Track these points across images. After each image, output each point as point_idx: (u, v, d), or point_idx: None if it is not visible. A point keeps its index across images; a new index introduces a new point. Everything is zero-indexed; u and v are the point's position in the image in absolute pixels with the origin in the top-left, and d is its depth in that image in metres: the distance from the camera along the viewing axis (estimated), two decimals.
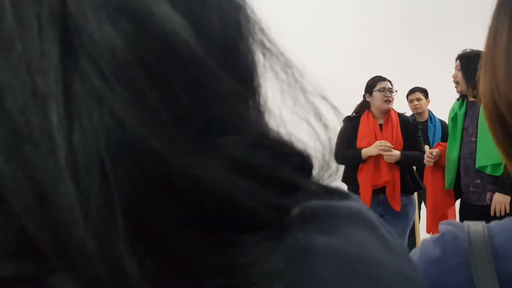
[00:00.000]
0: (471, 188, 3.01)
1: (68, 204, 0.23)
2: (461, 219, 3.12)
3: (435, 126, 4.70)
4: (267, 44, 0.34)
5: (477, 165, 2.88)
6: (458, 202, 3.22)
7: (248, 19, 0.33)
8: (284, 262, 0.28)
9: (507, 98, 0.55)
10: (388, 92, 3.51)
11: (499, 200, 2.84)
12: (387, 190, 3.40)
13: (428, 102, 4.83)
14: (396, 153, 3.37)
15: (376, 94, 3.53)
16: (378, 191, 3.43)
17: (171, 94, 0.26)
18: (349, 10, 6.40)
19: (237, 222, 0.28)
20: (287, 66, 0.34)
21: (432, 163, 3.17)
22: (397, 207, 3.39)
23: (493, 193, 2.90)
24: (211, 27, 0.30)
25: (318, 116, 0.34)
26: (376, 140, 3.45)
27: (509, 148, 0.58)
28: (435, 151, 3.19)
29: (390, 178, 3.39)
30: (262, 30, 0.34)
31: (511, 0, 0.57)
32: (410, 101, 4.83)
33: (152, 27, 0.26)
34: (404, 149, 3.46)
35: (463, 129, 3.07)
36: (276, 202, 0.29)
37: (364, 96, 3.63)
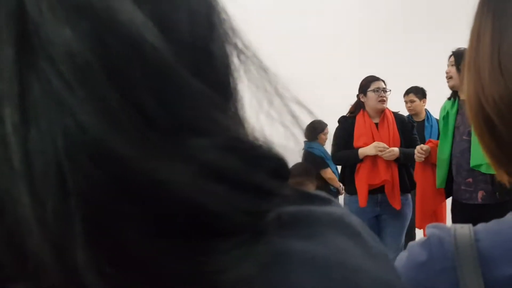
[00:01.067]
0: (462, 187, 3.01)
1: (23, 211, 0.22)
2: (453, 218, 3.13)
3: (431, 125, 4.70)
4: (241, 46, 0.33)
5: (471, 164, 2.86)
6: (450, 201, 3.22)
7: (220, 20, 0.32)
8: (256, 269, 0.27)
9: (493, 99, 0.54)
10: (382, 91, 3.51)
11: None
12: (386, 189, 3.40)
13: (423, 102, 4.83)
14: (395, 150, 3.37)
15: (370, 94, 3.54)
16: (376, 191, 3.43)
17: (135, 96, 0.25)
18: (345, 10, 6.40)
19: (206, 228, 0.27)
20: (262, 69, 0.33)
21: (423, 159, 3.17)
22: (397, 206, 3.39)
23: (485, 192, 2.90)
24: (180, 28, 0.29)
25: (295, 119, 0.33)
26: (373, 139, 3.46)
27: (496, 150, 0.57)
28: (425, 146, 3.19)
29: (389, 177, 3.39)
30: (235, 32, 0.33)
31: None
32: (405, 102, 4.84)
33: (115, 28, 0.25)
34: (401, 146, 3.46)
35: (454, 127, 3.07)
36: (249, 207, 0.28)
37: (358, 96, 3.64)
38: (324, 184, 4.43)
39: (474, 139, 2.82)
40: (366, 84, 3.58)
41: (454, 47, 3.13)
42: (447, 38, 4.93)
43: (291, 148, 0.33)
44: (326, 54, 5.78)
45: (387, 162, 3.40)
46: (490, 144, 0.57)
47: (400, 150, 3.39)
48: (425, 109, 4.85)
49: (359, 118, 3.58)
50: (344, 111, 3.79)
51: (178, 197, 0.25)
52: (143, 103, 0.25)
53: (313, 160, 4.59)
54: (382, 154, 3.37)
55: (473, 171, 2.90)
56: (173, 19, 0.29)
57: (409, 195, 3.57)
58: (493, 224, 0.55)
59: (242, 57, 0.33)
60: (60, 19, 0.24)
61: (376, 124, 3.55)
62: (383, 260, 0.34)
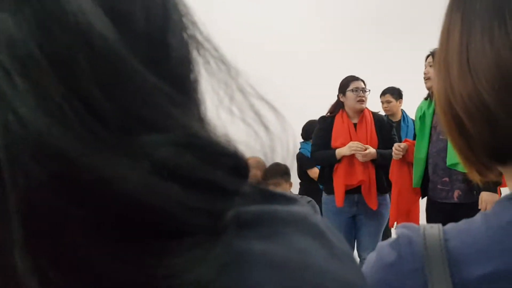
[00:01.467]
0: (438, 186, 3.04)
1: None
2: (428, 217, 3.17)
3: (407, 126, 4.75)
4: (201, 39, 0.32)
5: (448, 163, 2.90)
6: (424, 200, 3.26)
7: (178, 11, 0.31)
8: (214, 271, 0.26)
9: (461, 97, 0.54)
10: (361, 91, 3.53)
11: (486, 199, 2.82)
12: (363, 190, 3.42)
13: (399, 103, 4.87)
14: (372, 151, 3.39)
15: (349, 94, 3.55)
16: (353, 191, 3.44)
17: (81, 89, 0.24)
18: (321, 10, 6.43)
19: (158, 229, 0.25)
20: (223, 63, 0.32)
21: (401, 157, 3.19)
22: (374, 206, 3.41)
23: (461, 191, 2.93)
24: (134, 19, 0.28)
25: (258, 116, 0.32)
26: (351, 139, 3.47)
27: (465, 148, 0.57)
28: (403, 144, 3.22)
29: (365, 178, 3.41)
30: (194, 24, 0.32)
31: None
32: (382, 103, 4.88)
33: (61, 16, 0.23)
34: (379, 147, 3.48)
35: (431, 127, 3.10)
36: (205, 207, 0.27)
37: (338, 96, 3.65)
38: (313, 183, 4.44)
39: None
40: (346, 84, 3.59)
41: (431, 48, 3.15)
42: (423, 38, 4.98)
43: (252, 146, 0.32)
44: (303, 55, 5.79)
45: (364, 163, 3.41)
46: (460, 142, 0.57)
47: (377, 151, 3.41)
48: (401, 110, 4.90)
49: (338, 118, 3.59)
50: (323, 111, 3.80)
51: (126, 196, 0.24)
52: (90, 96, 0.24)
53: (301, 160, 4.62)
54: (357, 156, 3.38)
55: (450, 170, 2.94)
56: (126, 9, 0.27)
57: (387, 196, 3.59)
58: (463, 223, 0.55)
59: (201, 50, 0.32)
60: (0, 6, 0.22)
61: (355, 125, 3.56)
62: (347, 261, 0.33)
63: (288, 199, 0.35)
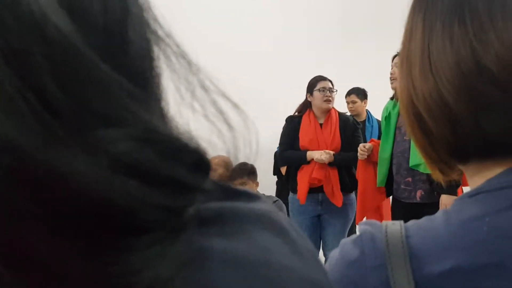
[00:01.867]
0: (402, 186, 3.08)
1: None
2: (392, 216, 3.22)
3: (372, 126, 4.81)
4: (162, 34, 0.31)
5: (410, 163, 2.94)
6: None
7: (138, 5, 0.31)
8: (174, 269, 0.26)
9: (423, 95, 0.55)
10: (328, 91, 3.56)
11: (446, 202, 2.88)
12: (325, 189, 3.46)
13: (365, 104, 4.93)
14: (327, 156, 3.44)
15: (316, 93, 3.58)
16: (317, 190, 3.47)
17: (34, 80, 0.23)
18: (288, 10, 6.45)
19: (117, 225, 0.25)
20: (184, 58, 0.32)
21: (366, 157, 3.24)
22: (339, 203, 3.45)
23: (424, 191, 2.98)
24: (91, 12, 0.27)
25: (220, 113, 0.32)
26: (317, 139, 3.51)
27: (427, 146, 0.58)
28: (367, 145, 3.26)
29: (322, 176, 3.44)
30: (155, 19, 0.31)
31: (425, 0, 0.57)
32: (347, 103, 4.93)
33: (14, 6, 0.23)
34: (342, 148, 3.52)
35: (396, 128, 3.14)
36: (165, 203, 0.26)
37: (306, 95, 3.67)
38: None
39: None
40: (313, 83, 3.62)
41: (397, 48, 3.17)
42: (389, 38, 5.05)
43: (215, 143, 0.32)
44: (269, 55, 5.80)
45: (323, 164, 3.46)
46: (422, 140, 0.58)
47: (335, 156, 3.45)
48: (366, 110, 4.96)
49: (305, 118, 3.62)
50: (291, 111, 3.82)
51: (82, 192, 0.23)
52: (43, 88, 0.23)
53: (276, 157, 4.64)
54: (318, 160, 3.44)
55: (413, 171, 2.98)
56: (83, 1, 0.27)
57: (352, 195, 3.64)
58: (424, 220, 0.56)
59: (162, 45, 0.31)
60: None
61: (321, 124, 3.59)
62: (310, 259, 0.33)
63: (251, 196, 0.35)
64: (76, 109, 0.24)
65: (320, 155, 3.42)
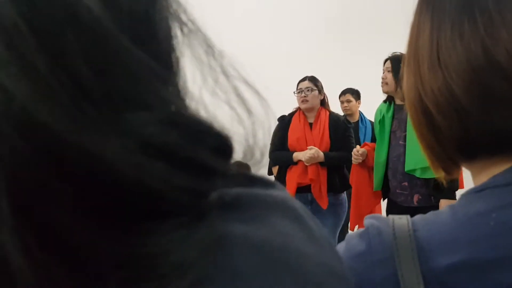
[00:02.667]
0: (398, 190, 3.07)
1: None
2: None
3: (365, 127, 4.82)
4: (185, 19, 0.31)
5: (406, 168, 2.94)
6: (385, 202, 3.31)
7: None
8: (198, 252, 0.26)
9: (432, 91, 0.55)
10: (303, 92, 3.57)
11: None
12: (313, 189, 3.46)
13: (358, 104, 4.94)
14: (319, 155, 3.43)
15: (296, 95, 3.63)
16: (306, 190, 3.48)
17: (68, 63, 0.23)
18: (283, 12, 6.47)
19: (144, 208, 0.25)
20: (207, 44, 0.32)
21: (360, 161, 3.23)
22: (324, 205, 3.45)
23: (421, 195, 2.97)
24: None
25: (241, 99, 0.32)
26: (306, 138, 3.53)
27: (434, 143, 0.58)
28: (361, 150, 3.24)
29: (315, 177, 3.44)
30: (180, 4, 0.32)
31: None
32: (341, 102, 4.94)
33: None
34: (332, 148, 3.52)
35: (391, 132, 3.14)
36: (190, 186, 0.26)
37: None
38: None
39: (409, 144, 2.92)
40: (297, 85, 3.67)
41: (389, 51, 3.19)
42: (382, 41, 5.07)
43: (234, 129, 0.32)
44: (260, 56, 5.81)
45: (316, 164, 3.46)
46: (428, 137, 0.59)
47: (325, 155, 3.45)
48: (359, 111, 4.97)
49: (295, 118, 3.64)
50: (280, 112, 3.82)
51: (114, 174, 0.23)
52: (76, 70, 0.23)
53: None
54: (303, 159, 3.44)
55: (409, 175, 2.97)
56: None
57: (343, 195, 3.64)
58: (430, 215, 0.57)
59: (185, 30, 0.31)
60: None
61: (311, 124, 3.61)
62: (326, 245, 0.33)
63: (267, 183, 0.35)
64: (107, 92, 0.24)
65: (303, 156, 3.43)
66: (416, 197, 3.00)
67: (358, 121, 4.87)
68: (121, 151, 0.23)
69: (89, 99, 0.23)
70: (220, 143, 0.30)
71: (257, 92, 0.33)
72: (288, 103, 3.75)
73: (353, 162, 3.27)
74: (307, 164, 3.44)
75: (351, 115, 4.86)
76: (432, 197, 2.94)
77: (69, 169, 0.22)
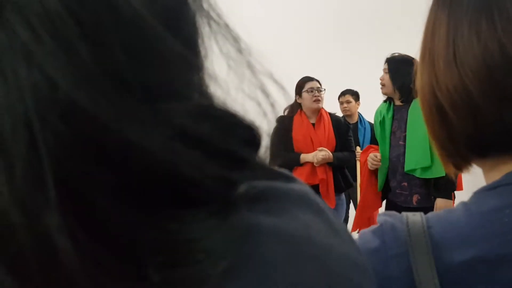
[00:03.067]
0: (398, 190, 3.08)
1: None
2: None
3: (364, 128, 4.82)
4: (213, 14, 0.32)
5: (405, 169, 2.95)
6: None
7: None
8: (229, 241, 0.27)
9: (447, 88, 0.56)
10: (316, 91, 3.56)
11: (441, 206, 2.90)
12: (321, 188, 3.45)
13: (358, 105, 4.95)
14: (329, 155, 3.44)
15: (305, 94, 3.58)
16: (314, 190, 3.46)
17: (108, 52, 0.23)
18: (282, 12, 6.47)
19: (180, 195, 0.26)
20: (234, 39, 0.32)
21: (377, 167, 3.18)
22: (332, 205, 3.46)
23: (420, 196, 2.98)
24: None
25: (265, 94, 0.32)
26: (311, 139, 3.51)
27: (446, 140, 0.59)
28: (378, 155, 3.19)
29: (325, 177, 3.45)
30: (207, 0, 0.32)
31: None
32: (341, 103, 4.94)
33: None
34: (336, 147, 3.52)
35: (391, 133, 3.14)
36: (223, 175, 0.27)
37: (295, 97, 3.68)
38: None
39: (409, 144, 2.94)
40: (301, 85, 3.62)
41: (389, 52, 3.20)
42: (381, 42, 5.07)
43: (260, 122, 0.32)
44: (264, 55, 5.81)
45: (324, 164, 3.46)
46: (440, 134, 0.59)
47: (334, 155, 3.45)
48: (358, 112, 4.98)
49: (297, 118, 3.61)
50: (279, 112, 3.80)
51: (152, 161, 0.24)
52: (116, 59, 0.24)
53: None
54: (313, 160, 3.43)
55: (408, 175, 2.98)
56: None
57: (343, 195, 3.65)
58: (444, 212, 0.57)
59: (213, 24, 0.32)
60: None
61: (313, 124, 3.60)
62: (347, 238, 0.34)
63: (289, 178, 0.35)
64: (143, 79, 0.24)
65: (313, 157, 3.42)
66: (415, 198, 3.01)
67: (357, 122, 4.87)
68: (159, 140, 0.24)
69: (128, 88, 0.24)
70: (250, 135, 0.30)
71: (281, 87, 0.33)
72: (287, 103, 3.75)
73: (369, 167, 3.21)
74: (317, 165, 3.43)
75: (350, 116, 4.86)
76: (432, 197, 2.95)
77: (110, 156, 0.23)
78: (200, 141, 0.26)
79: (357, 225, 3.30)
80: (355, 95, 4.91)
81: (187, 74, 0.27)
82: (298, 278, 0.28)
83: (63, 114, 0.22)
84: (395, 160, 3.08)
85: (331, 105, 4.52)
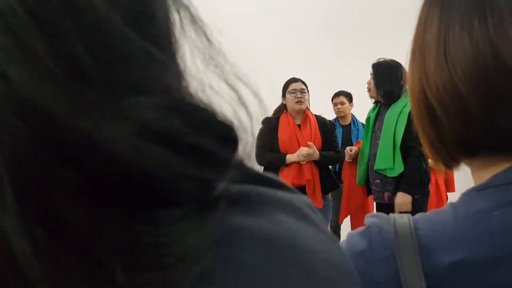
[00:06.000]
0: (373, 187, 3.23)
1: None
2: None
3: (358, 129, 4.82)
4: (185, 9, 0.31)
5: (375, 167, 3.11)
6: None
7: None
8: (206, 246, 0.25)
9: (436, 87, 0.54)
10: (299, 93, 3.54)
11: (399, 201, 3.00)
12: (308, 189, 3.42)
13: (351, 106, 4.95)
14: (315, 153, 3.43)
15: (288, 96, 3.58)
16: (300, 191, 3.46)
17: (65, 47, 0.22)
18: (277, 13, 6.47)
19: (149, 195, 0.24)
20: (207, 37, 0.31)
21: (351, 160, 3.42)
22: (319, 205, 3.44)
23: (391, 193, 3.10)
24: None
25: (237, 95, 0.31)
26: (297, 139, 3.50)
27: (435, 139, 0.58)
28: (354, 148, 3.42)
29: (312, 177, 3.44)
30: None
31: None
32: (334, 104, 4.94)
33: None
34: (322, 147, 3.51)
35: (373, 131, 3.26)
36: (194, 174, 0.25)
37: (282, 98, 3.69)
38: None
39: (382, 144, 3.07)
40: (286, 86, 3.62)
41: (382, 54, 3.26)
42: (374, 44, 5.08)
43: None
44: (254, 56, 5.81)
45: (310, 164, 3.45)
46: (430, 132, 0.58)
47: (320, 154, 3.45)
48: (352, 114, 4.98)
49: (283, 119, 3.60)
50: (270, 113, 3.82)
51: (116, 159, 0.22)
52: (75, 55, 0.22)
53: None
54: (299, 158, 3.42)
55: (381, 173, 3.13)
56: None
57: (329, 197, 3.65)
58: (432, 214, 0.56)
59: (185, 20, 0.30)
60: None
61: (299, 125, 3.58)
62: (332, 243, 0.32)
63: (273, 183, 0.34)
64: (105, 76, 0.23)
65: (297, 155, 3.41)
66: (386, 194, 3.15)
67: (350, 123, 4.88)
68: (119, 135, 0.23)
69: (88, 83, 0.23)
70: (224, 132, 0.28)
71: (253, 90, 0.32)
72: (279, 104, 3.75)
73: (346, 159, 3.44)
74: (303, 162, 3.42)
75: (344, 117, 4.86)
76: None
77: (70, 153, 0.22)
78: (167, 137, 0.24)
79: (344, 215, 3.49)
80: (349, 97, 4.91)
81: (153, 68, 0.26)
82: (280, 283, 0.27)
83: (19, 111, 0.21)
84: (371, 158, 3.22)
85: (325, 106, 4.52)
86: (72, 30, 0.23)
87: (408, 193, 2.99)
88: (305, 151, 3.39)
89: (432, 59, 0.55)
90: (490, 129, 0.52)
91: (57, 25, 0.22)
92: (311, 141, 3.48)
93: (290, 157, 3.47)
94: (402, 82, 3.02)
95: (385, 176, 3.09)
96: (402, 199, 2.98)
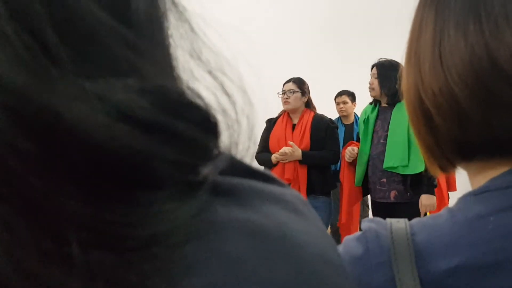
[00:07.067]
0: (377, 186, 3.21)
1: None
2: (373, 215, 3.33)
3: None
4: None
5: (384, 165, 3.09)
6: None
7: None
8: (178, 233, 0.25)
9: (432, 91, 0.53)
10: (287, 93, 3.54)
11: (426, 203, 3.02)
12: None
13: (354, 105, 4.95)
14: (296, 153, 3.40)
15: (281, 96, 3.59)
16: None
17: (33, 26, 0.22)
18: (278, 13, 6.46)
19: (125, 175, 0.24)
20: (192, 29, 0.30)
21: (351, 160, 3.38)
22: None
23: (398, 192, 3.11)
24: None
25: (220, 85, 0.30)
26: (286, 139, 3.48)
27: (431, 143, 0.57)
28: (356, 149, 3.38)
29: (293, 176, 3.40)
30: None
31: None
32: (337, 104, 4.94)
33: None
34: (312, 148, 3.45)
35: (373, 131, 3.26)
36: (170, 156, 0.25)
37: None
38: None
39: (390, 142, 3.07)
40: (282, 87, 3.63)
41: (382, 54, 3.26)
42: (375, 44, 5.07)
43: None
44: (256, 55, 5.80)
45: (294, 163, 3.41)
46: (426, 137, 0.57)
47: (302, 153, 3.41)
48: (354, 113, 4.98)
49: (280, 119, 3.62)
50: (273, 113, 3.83)
51: (76, 134, 0.22)
52: (41, 33, 0.22)
53: None
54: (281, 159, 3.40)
55: (387, 172, 3.12)
56: None
57: (324, 198, 3.51)
58: (428, 218, 0.55)
59: (172, 10, 0.30)
60: None
61: (294, 125, 3.57)
62: (323, 237, 0.32)
63: (266, 177, 0.33)
64: (74, 56, 0.23)
65: (274, 156, 3.42)
66: (393, 193, 3.15)
67: (353, 122, 4.87)
68: (85, 112, 0.22)
69: (56, 63, 0.22)
70: (203, 117, 0.28)
71: (240, 86, 0.31)
72: (280, 104, 3.76)
73: (346, 159, 3.40)
74: (283, 162, 3.40)
75: (346, 116, 4.86)
76: (408, 193, 3.08)
77: (33, 127, 0.21)
78: (137, 119, 0.24)
79: (343, 218, 3.43)
80: (352, 96, 4.91)
81: (127, 50, 0.25)
82: (268, 276, 0.26)
83: None
84: (375, 158, 3.21)
85: (328, 106, 4.51)
86: (38, 7, 0.22)
87: (432, 194, 3.04)
88: (283, 150, 3.38)
89: (427, 63, 0.54)
90: (486, 133, 0.51)
91: (23, 3, 0.22)
92: (300, 141, 3.45)
93: (272, 157, 3.48)
94: None
95: (392, 174, 3.10)
96: (429, 200, 3.02)
